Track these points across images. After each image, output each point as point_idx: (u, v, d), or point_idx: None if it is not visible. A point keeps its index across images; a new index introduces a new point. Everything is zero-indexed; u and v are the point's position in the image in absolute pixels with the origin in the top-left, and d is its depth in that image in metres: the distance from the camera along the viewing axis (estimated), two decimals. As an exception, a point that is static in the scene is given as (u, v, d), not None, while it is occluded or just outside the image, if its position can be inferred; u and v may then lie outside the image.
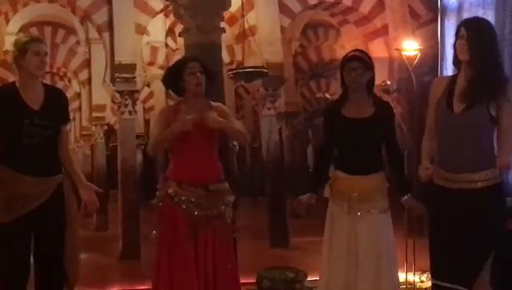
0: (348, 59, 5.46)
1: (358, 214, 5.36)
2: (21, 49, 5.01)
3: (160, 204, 5.30)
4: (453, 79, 4.82)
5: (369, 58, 5.53)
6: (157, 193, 5.36)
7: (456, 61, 4.81)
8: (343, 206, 5.42)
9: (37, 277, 5.10)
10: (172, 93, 5.73)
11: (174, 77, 5.43)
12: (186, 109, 5.33)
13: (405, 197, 5.43)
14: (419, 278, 8.07)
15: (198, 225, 5.17)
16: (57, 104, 5.16)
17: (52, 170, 5.07)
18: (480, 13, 7.09)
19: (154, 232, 5.36)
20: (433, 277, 4.90)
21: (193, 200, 5.19)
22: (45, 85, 5.23)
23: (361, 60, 5.43)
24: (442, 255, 4.76)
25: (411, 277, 8.00)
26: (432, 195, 4.89)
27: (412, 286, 7.93)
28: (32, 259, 5.07)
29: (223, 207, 5.31)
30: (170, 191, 5.24)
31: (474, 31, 4.67)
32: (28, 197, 4.92)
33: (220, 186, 5.35)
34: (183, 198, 5.20)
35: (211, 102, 5.47)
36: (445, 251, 4.73)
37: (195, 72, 5.31)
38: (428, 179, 4.85)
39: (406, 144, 7.45)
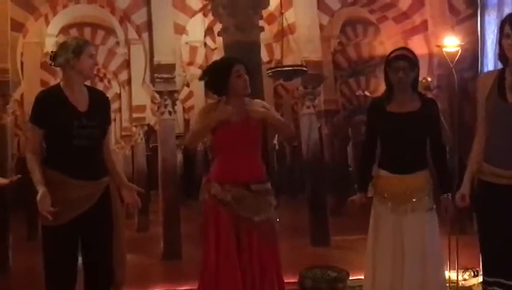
0: (395, 58, 5.37)
1: (404, 213, 5.31)
2: (75, 51, 5.04)
3: (203, 206, 5.31)
4: (500, 73, 4.77)
5: (415, 56, 5.45)
6: (200, 194, 5.39)
7: (503, 58, 4.75)
8: (388, 205, 5.37)
9: (86, 279, 5.11)
10: (212, 93, 5.73)
11: (219, 79, 5.41)
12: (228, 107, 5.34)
13: (444, 196, 5.39)
14: (462, 276, 8.02)
15: (242, 225, 5.18)
16: (100, 105, 5.20)
17: (100, 173, 5.09)
18: (521, 7, 7.01)
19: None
20: (485, 274, 4.82)
21: (235, 200, 5.18)
22: (88, 87, 5.26)
23: (408, 59, 5.35)
24: (493, 253, 4.70)
25: (454, 275, 7.92)
26: (480, 192, 4.82)
27: (455, 284, 7.85)
28: (80, 261, 5.09)
29: (270, 209, 5.30)
30: (212, 192, 5.25)
31: None
32: (77, 201, 4.93)
33: (262, 187, 5.32)
34: (224, 198, 5.20)
35: (251, 100, 5.47)
36: (496, 249, 4.67)
37: (242, 74, 5.34)
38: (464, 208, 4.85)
39: (447, 141, 7.40)
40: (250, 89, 5.39)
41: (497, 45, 4.82)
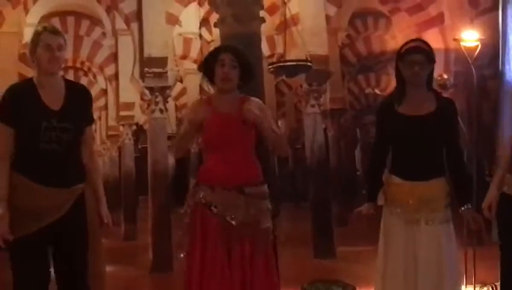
0: (409, 51, 5.21)
1: (417, 225, 5.19)
2: (33, 41, 4.88)
3: (189, 211, 5.19)
4: None
5: (431, 48, 5.28)
6: (187, 198, 5.25)
7: None
8: (400, 216, 5.26)
9: None
10: (209, 86, 5.60)
11: (207, 69, 5.29)
12: (217, 104, 5.22)
13: (464, 208, 5.22)
14: (480, 292, 8.02)
15: (233, 234, 5.05)
16: (79, 103, 5.02)
17: (72, 180, 4.93)
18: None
19: (181, 255, 5.23)
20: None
21: (227, 205, 5.06)
22: (67, 81, 5.10)
23: (424, 52, 5.19)
24: None
25: (471, 291, 7.92)
26: (503, 205, 4.82)
27: (472, 300, 7.86)
28: (53, 275, 4.99)
29: (262, 213, 5.16)
30: (201, 196, 5.12)
31: None
32: (46, 210, 4.80)
33: (257, 189, 5.17)
34: (215, 204, 5.07)
35: (249, 97, 5.29)
36: None
37: (225, 64, 5.15)
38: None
39: (464, 144, 7.39)
40: (232, 84, 5.18)
41: None
